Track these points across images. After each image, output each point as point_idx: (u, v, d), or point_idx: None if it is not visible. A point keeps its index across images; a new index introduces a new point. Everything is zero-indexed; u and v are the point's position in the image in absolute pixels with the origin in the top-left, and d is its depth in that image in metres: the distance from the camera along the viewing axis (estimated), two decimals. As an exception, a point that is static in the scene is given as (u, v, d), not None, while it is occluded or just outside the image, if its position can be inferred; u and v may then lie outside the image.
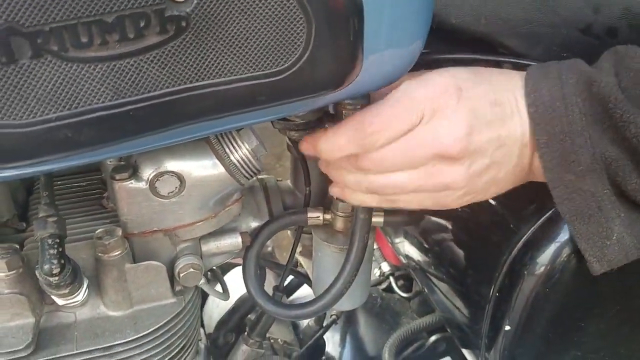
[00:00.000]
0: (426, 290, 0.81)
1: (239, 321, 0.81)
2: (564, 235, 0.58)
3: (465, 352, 0.78)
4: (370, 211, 0.61)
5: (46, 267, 0.49)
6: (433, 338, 0.86)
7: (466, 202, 0.54)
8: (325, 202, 0.68)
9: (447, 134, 0.48)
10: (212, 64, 0.39)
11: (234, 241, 0.64)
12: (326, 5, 0.39)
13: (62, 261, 0.50)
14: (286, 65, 0.41)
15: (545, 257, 0.60)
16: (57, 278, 0.50)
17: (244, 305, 0.81)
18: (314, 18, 0.40)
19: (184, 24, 0.36)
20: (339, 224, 0.66)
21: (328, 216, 0.66)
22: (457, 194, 0.52)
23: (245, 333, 0.79)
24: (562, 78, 0.48)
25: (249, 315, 0.81)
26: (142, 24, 0.35)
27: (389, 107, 0.48)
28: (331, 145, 0.52)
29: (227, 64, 0.39)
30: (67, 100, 0.35)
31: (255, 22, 0.38)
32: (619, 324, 0.65)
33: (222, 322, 0.82)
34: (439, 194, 0.52)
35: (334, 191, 0.60)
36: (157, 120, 0.39)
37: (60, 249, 0.50)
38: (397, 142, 0.49)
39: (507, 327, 0.62)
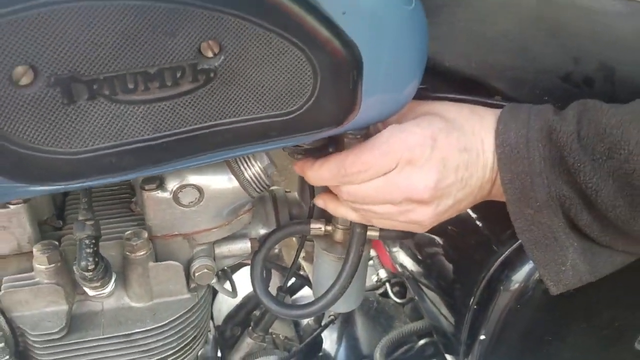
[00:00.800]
0: (417, 297, 0.89)
1: (245, 316, 0.89)
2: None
3: (448, 357, 0.85)
4: (366, 226, 0.69)
5: (83, 263, 0.57)
6: (422, 342, 0.93)
7: (432, 226, 0.61)
8: (327, 215, 0.76)
9: (418, 182, 0.55)
10: (234, 106, 0.46)
11: (244, 246, 0.72)
12: (330, 61, 0.47)
13: (96, 259, 0.58)
14: (295, 107, 0.49)
15: (519, 276, 0.68)
16: (91, 273, 0.58)
17: (250, 302, 0.89)
18: (320, 70, 0.47)
19: (212, 74, 0.44)
20: (338, 236, 0.74)
21: (329, 228, 0.74)
22: (424, 225, 0.60)
23: (250, 327, 0.86)
24: (529, 123, 0.54)
25: (255, 312, 0.89)
26: (178, 75, 0.43)
27: (369, 152, 0.56)
28: (316, 176, 0.60)
29: (246, 106, 0.47)
30: (113, 134, 0.43)
31: (270, 74, 0.46)
32: (584, 339, 0.72)
33: (230, 316, 0.90)
34: (408, 225, 0.60)
35: (318, 202, 0.67)
36: (187, 150, 0.47)
37: (95, 249, 0.58)
38: (374, 181, 0.56)
39: (482, 337, 0.69)
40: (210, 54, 0.43)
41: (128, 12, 0.38)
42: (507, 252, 0.68)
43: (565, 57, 0.62)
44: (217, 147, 0.49)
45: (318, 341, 0.95)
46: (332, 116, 0.51)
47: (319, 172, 0.58)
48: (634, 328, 0.73)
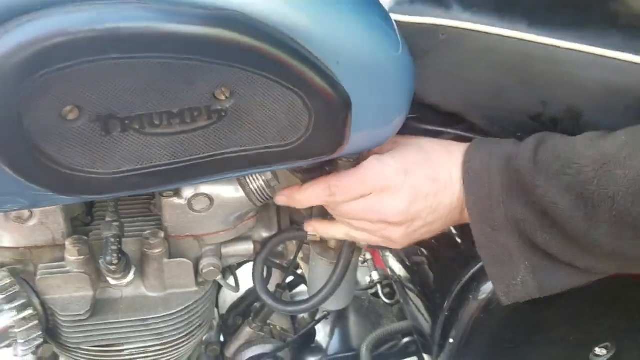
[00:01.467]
0: (402, 299, 0.98)
1: (246, 308, 0.98)
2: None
3: (425, 356, 0.94)
4: (356, 236, 0.78)
5: (108, 258, 0.67)
6: (405, 340, 1.02)
7: (408, 244, 0.70)
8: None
9: (391, 207, 0.64)
10: (240, 139, 0.55)
11: (248, 247, 0.81)
12: (323, 104, 0.55)
13: (120, 255, 0.67)
14: (292, 140, 0.57)
15: (486, 288, 0.76)
16: (114, 267, 0.67)
17: (251, 295, 0.98)
18: (314, 111, 0.55)
19: (223, 114, 0.53)
20: (332, 243, 0.82)
21: None
22: (398, 242, 0.69)
23: (250, 318, 0.96)
24: (491, 153, 0.63)
25: (255, 304, 0.99)
26: (195, 114, 0.52)
27: (350, 177, 0.65)
28: (303, 198, 0.69)
29: (251, 139, 0.55)
30: (139, 159, 0.52)
31: (272, 113, 0.54)
32: (542, 350, 0.81)
33: (233, 307, 0.99)
34: (384, 241, 0.69)
35: (308, 228, 0.77)
36: (199, 173, 0.56)
37: (119, 246, 0.67)
38: (353, 202, 0.66)
39: (451, 340, 0.78)
40: (222, 98, 0.52)
41: (155, 67, 0.47)
42: (477, 266, 0.76)
43: (535, 100, 0.70)
44: (225, 170, 0.58)
45: (312, 333, 1.04)
46: (325, 147, 0.60)
47: (306, 194, 0.68)
48: (589, 342, 0.82)
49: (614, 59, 0.65)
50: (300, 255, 0.92)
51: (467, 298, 0.76)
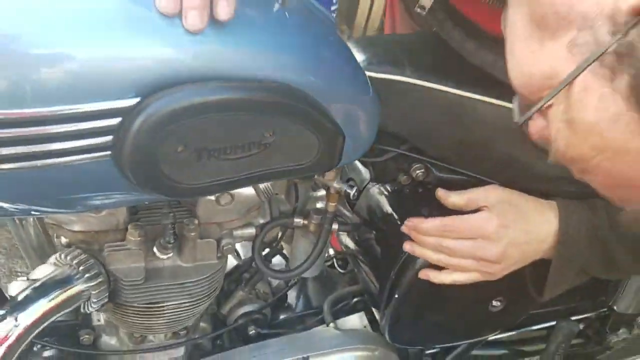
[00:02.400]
0: (355, 269, 1.30)
1: (238, 276, 1.27)
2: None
3: (374, 310, 1.27)
4: (331, 224, 1.09)
5: (167, 239, 0.94)
6: (355, 299, 1.31)
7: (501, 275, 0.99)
8: (305, 212, 1.14)
9: (492, 252, 0.94)
10: (274, 161, 0.84)
11: (251, 231, 1.09)
12: (327, 137, 0.84)
13: (175, 237, 0.95)
14: (305, 162, 0.85)
15: (421, 260, 1.09)
16: (170, 245, 0.95)
17: (243, 266, 1.27)
18: (322, 142, 0.85)
19: (267, 145, 0.80)
20: (312, 228, 1.11)
21: (306, 222, 1.10)
22: (495, 276, 0.99)
23: (242, 284, 1.24)
24: (580, 219, 0.92)
25: (245, 274, 1.27)
26: (251, 146, 0.79)
27: (464, 221, 0.95)
28: (427, 228, 0.97)
29: (280, 161, 0.84)
30: (215, 175, 0.80)
31: (295, 145, 0.83)
32: (455, 303, 1.14)
33: (227, 275, 1.28)
34: (483, 275, 0.99)
35: (406, 248, 1.03)
36: (246, 183, 0.83)
37: (174, 230, 0.95)
38: (463, 241, 0.95)
39: (396, 295, 1.11)
40: (268, 136, 0.80)
41: (231, 119, 0.74)
42: (416, 244, 1.09)
43: (456, 134, 1.03)
44: (260, 181, 0.87)
45: (285, 296, 1.35)
46: (326, 166, 0.90)
47: (428, 225, 0.97)
48: (487, 297, 1.14)
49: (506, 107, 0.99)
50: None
51: (409, 267, 1.08)
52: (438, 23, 0.99)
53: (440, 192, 1.00)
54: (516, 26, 0.60)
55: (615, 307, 1.42)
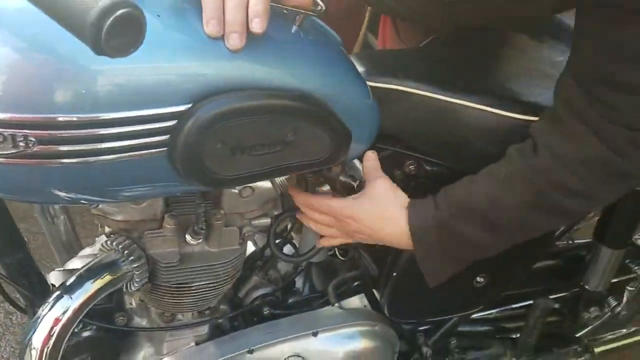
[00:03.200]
0: (356, 255, 1.47)
1: (252, 262, 1.43)
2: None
3: (374, 292, 1.43)
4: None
5: (200, 226, 1.09)
6: (356, 283, 1.49)
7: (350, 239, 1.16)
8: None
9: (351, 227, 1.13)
10: (293, 157, 1.00)
11: (267, 221, 1.25)
12: (338, 137, 1.01)
13: (205, 226, 1.11)
14: (319, 157, 1.01)
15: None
16: (203, 231, 1.10)
17: (257, 255, 1.43)
18: (335, 143, 1.01)
19: (288, 143, 0.97)
20: None
21: None
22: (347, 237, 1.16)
23: (257, 270, 1.40)
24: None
25: (258, 262, 1.43)
26: (275, 143, 0.96)
27: (339, 203, 1.11)
28: (304, 201, 1.14)
29: (299, 156, 1.00)
30: (246, 169, 0.96)
31: (312, 144, 1.00)
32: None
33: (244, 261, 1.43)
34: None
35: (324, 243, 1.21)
36: (270, 175, 0.99)
37: (205, 218, 1.10)
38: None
39: (394, 274, 1.27)
40: (289, 134, 0.96)
41: (261, 121, 0.90)
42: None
43: (443, 137, 1.20)
44: (281, 174, 1.03)
45: (292, 282, 1.51)
46: (335, 160, 1.06)
47: (307, 199, 1.14)
48: (472, 274, 1.33)
49: (492, 112, 1.16)
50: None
51: (403, 250, 1.25)
52: None
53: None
54: None
55: (586, 286, 1.60)
